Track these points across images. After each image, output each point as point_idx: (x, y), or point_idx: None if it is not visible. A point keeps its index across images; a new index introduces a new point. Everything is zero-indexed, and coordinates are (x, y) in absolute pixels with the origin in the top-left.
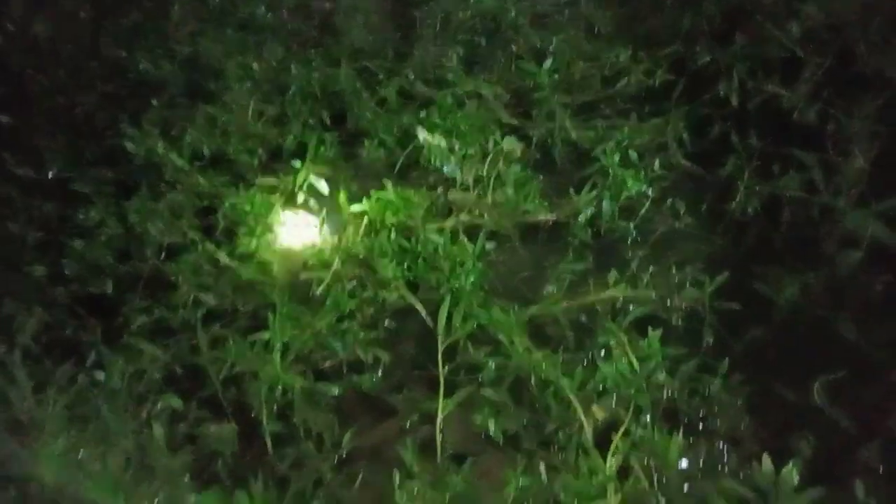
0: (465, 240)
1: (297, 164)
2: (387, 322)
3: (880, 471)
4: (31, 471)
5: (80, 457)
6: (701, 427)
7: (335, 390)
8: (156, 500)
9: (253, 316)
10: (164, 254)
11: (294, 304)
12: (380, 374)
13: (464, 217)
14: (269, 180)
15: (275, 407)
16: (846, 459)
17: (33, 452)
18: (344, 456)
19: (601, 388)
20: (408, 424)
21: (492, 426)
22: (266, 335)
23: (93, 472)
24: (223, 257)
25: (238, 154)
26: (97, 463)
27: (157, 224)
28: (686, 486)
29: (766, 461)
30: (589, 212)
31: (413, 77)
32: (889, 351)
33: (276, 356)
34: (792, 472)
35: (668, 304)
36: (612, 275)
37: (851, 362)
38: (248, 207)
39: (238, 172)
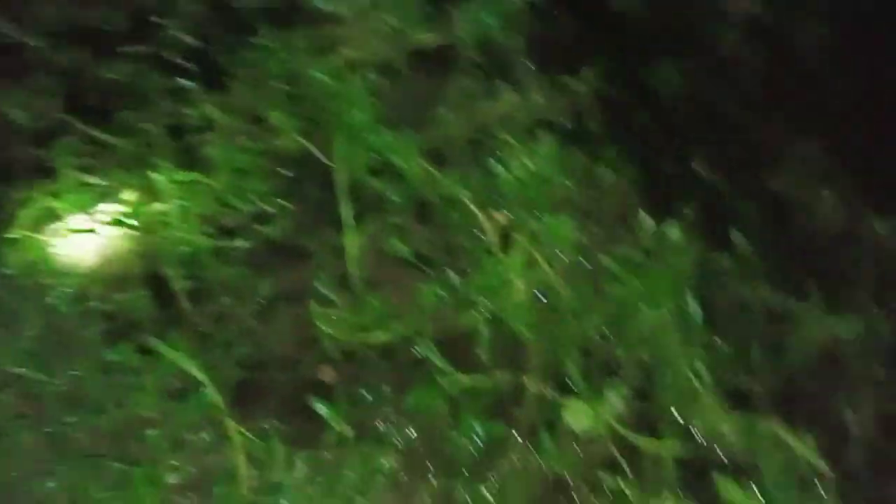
0: (353, 76)
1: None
2: (285, 171)
3: (758, 223)
4: None
5: None
6: (592, 210)
7: (243, 243)
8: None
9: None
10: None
11: (182, 170)
12: (287, 221)
13: (348, 53)
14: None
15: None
16: (727, 219)
17: None
18: (264, 303)
19: (500, 196)
20: (322, 263)
21: (401, 249)
22: (159, 205)
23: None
24: (100, 135)
25: (98, 23)
26: (5, 344)
27: (24, 110)
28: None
29: (644, 217)
30: (474, 30)
31: None
32: (770, 125)
33: (175, 220)
34: (672, 228)
35: (557, 105)
36: (502, 87)
37: (734, 137)
38: (117, 77)
39: (101, 44)
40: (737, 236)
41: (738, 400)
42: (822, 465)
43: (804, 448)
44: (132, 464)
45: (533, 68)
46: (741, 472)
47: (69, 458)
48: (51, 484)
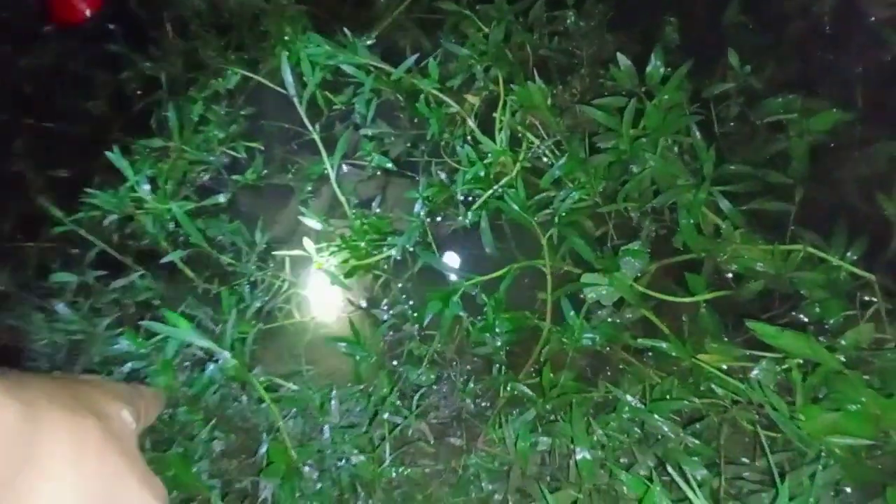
0: None
1: None
2: (242, 111)
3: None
4: None
5: None
6: (567, 64)
7: (222, 198)
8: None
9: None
10: None
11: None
12: (259, 163)
13: None
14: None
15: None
16: (715, 33)
17: None
18: (265, 247)
19: (465, 75)
20: (308, 195)
21: (382, 161)
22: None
23: None
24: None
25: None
26: None
27: None
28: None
29: (622, 58)
30: None
31: None
32: None
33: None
34: (656, 66)
35: None
36: None
37: None
38: (45, 62)
39: (14, 33)
40: (732, 55)
41: (767, 228)
42: (865, 273)
43: (842, 261)
44: None
45: None
46: (784, 301)
47: None
48: None
